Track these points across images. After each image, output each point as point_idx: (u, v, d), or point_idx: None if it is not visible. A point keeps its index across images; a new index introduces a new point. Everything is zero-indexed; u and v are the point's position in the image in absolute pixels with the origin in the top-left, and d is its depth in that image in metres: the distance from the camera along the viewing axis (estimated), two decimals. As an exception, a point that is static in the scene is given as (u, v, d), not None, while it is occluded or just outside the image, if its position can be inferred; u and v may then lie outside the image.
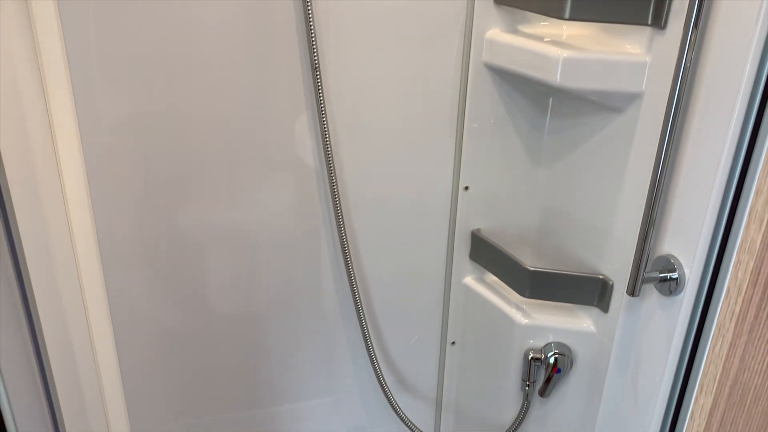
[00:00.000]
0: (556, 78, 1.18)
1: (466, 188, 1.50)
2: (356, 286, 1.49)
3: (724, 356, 0.96)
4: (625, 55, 1.15)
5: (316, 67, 1.29)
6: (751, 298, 0.87)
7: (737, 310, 0.91)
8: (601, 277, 1.34)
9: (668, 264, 1.10)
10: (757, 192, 0.88)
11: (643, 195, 1.10)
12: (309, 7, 1.23)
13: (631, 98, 1.18)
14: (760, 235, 0.84)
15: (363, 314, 1.52)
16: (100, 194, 1.29)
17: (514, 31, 1.33)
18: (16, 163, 1.07)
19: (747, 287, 0.85)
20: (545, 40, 1.26)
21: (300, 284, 1.53)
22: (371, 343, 1.54)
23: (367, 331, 1.53)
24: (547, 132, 1.43)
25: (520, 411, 1.52)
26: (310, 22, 1.24)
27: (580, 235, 1.40)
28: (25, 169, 1.12)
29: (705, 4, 0.99)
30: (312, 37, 1.26)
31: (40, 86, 1.17)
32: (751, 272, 0.85)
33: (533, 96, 1.41)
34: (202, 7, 1.21)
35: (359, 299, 1.50)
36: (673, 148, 1.07)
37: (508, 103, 1.42)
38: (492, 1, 1.32)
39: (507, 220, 1.54)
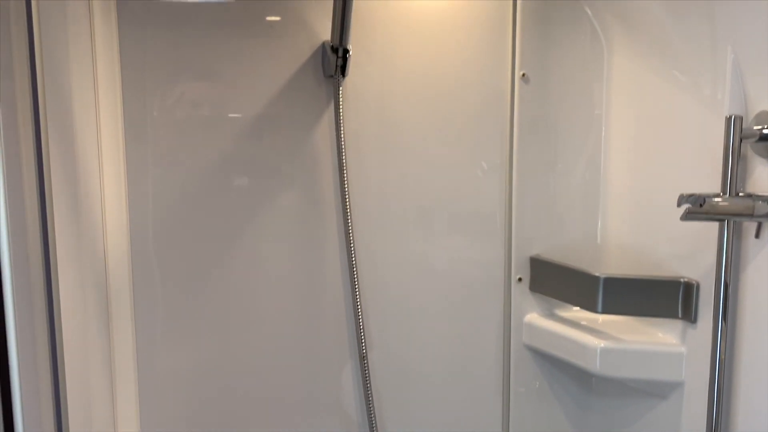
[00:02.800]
0: (596, 367, 1.22)
1: (517, 468, 1.48)
2: None
3: None
4: (661, 346, 1.20)
5: (363, 355, 1.37)
6: None
7: None
8: None
9: None
10: None
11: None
12: (355, 276, 1.35)
13: (673, 386, 1.20)
14: None
15: None
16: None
17: (551, 315, 1.40)
18: (77, 411, 1.12)
19: None
20: (582, 323, 1.33)
21: None
22: None
23: None
24: (593, 410, 1.44)
25: None
26: (357, 300, 1.36)
27: None
28: (83, 411, 1.17)
29: (731, 297, 1.06)
30: (359, 317, 1.36)
31: (108, 335, 1.27)
32: None
33: (576, 375, 1.44)
34: (259, 270, 1.34)
35: None
36: (722, 439, 1.07)
37: (551, 381, 1.45)
38: (527, 288, 1.41)
39: (561, 500, 1.49)
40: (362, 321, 1.37)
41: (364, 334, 1.38)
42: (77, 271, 1.16)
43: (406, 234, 1.41)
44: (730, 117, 0.96)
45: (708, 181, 1.07)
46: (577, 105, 1.40)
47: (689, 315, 1.16)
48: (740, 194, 0.98)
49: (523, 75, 1.39)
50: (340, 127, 1.31)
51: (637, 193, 1.32)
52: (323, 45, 1.30)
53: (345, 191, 1.33)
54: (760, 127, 0.96)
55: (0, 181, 0.63)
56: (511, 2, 1.38)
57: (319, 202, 1.36)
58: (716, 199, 0.96)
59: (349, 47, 1.27)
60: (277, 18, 1.29)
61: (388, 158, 1.38)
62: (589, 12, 1.32)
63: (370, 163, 1.37)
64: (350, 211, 1.34)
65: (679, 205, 0.97)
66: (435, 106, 1.39)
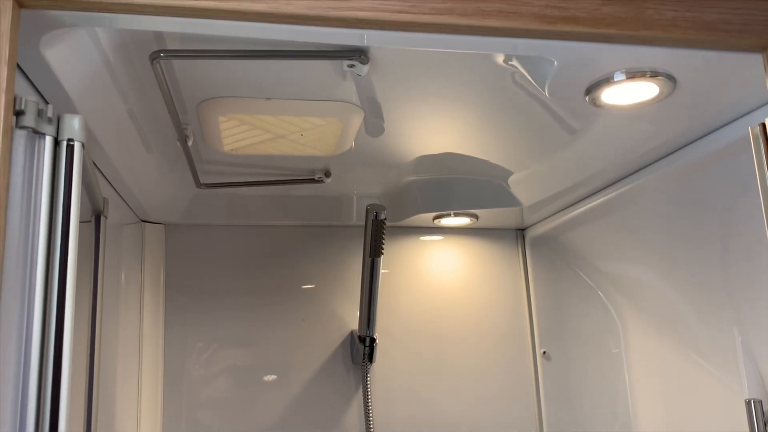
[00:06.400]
0: None
1: None
2: None
3: None
4: None
5: None
6: None
7: None
8: None
9: None
10: None
11: None
12: None
13: None
14: None
15: None
16: None
17: None
18: None
19: None
20: None
21: None
22: None
23: None
24: None
25: None
26: None
27: None
28: None
29: None
30: None
31: None
32: None
33: None
34: None
35: None
36: None
37: None
38: None
39: None
40: None
41: None
42: None
43: None
44: (749, 401, 0.97)
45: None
46: (599, 377, 1.43)
47: None
48: (778, 481, 0.95)
49: (544, 353, 1.44)
50: (369, 412, 1.33)
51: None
52: (351, 334, 1.37)
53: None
54: (782, 410, 0.97)
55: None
56: (524, 289, 1.49)
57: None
58: (753, 489, 0.94)
59: (376, 336, 1.34)
60: (310, 310, 1.39)
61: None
62: (602, 295, 1.40)
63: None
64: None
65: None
66: (462, 385, 1.43)
